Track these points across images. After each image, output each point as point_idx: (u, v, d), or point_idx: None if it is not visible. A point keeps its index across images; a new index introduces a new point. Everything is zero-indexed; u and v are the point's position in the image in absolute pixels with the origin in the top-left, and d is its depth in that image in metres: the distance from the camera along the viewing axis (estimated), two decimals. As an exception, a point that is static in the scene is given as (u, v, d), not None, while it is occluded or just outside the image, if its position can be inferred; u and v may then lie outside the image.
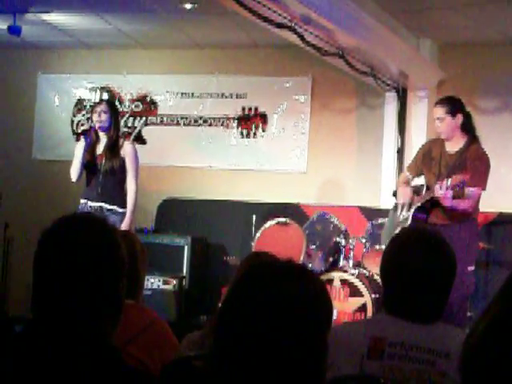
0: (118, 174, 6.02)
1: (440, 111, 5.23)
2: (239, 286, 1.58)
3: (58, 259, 1.75)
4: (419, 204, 5.21)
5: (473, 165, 5.13)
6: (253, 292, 1.53)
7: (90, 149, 6.00)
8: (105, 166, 5.97)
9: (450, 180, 4.88)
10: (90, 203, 6.00)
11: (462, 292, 4.93)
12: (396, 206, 5.61)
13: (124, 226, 5.88)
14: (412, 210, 5.25)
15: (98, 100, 8.28)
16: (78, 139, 5.98)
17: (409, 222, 5.20)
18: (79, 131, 6.01)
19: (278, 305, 1.50)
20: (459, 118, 5.22)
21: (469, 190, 5.04)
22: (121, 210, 6.00)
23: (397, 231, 4.74)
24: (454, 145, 5.26)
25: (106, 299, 1.77)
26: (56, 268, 1.75)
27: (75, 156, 6.06)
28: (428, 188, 5.23)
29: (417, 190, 5.36)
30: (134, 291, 2.83)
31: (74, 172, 6.02)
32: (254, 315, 1.50)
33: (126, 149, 6.06)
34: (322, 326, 1.55)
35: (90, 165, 6.00)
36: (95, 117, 5.98)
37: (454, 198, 4.97)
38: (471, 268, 5.12)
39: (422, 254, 2.32)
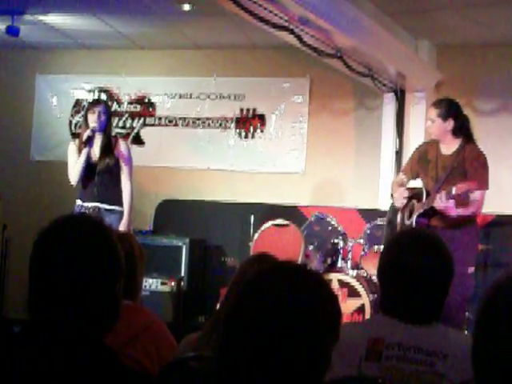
0: (114, 173, 5.99)
1: (433, 113, 5.23)
2: (249, 289, 1.57)
3: (54, 260, 1.74)
4: (421, 211, 5.17)
5: (472, 168, 5.09)
6: (264, 296, 1.52)
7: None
8: (100, 165, 5.94)
9: (454, 189, 4.82)
10: (86, 203, 5.97)
11: (462, 293, 4.91)
12: (393, 208, 5.58)
13: (122, 226, 5.86)
14: (414, 218, 5.20)
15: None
16: (83, 147, 5.90)
17: None
18: (84, 139, 5.90)
19: (290, 308, 1.50)
20: (450, 122, 5.19)
21: (474, 196, 5.01)
22: (120, 209, 5.98)
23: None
24: (449, 147, 5.24)
25: (102, 300, 1.76)
26: (52, 269, 1.74)
27: (71, 160, 5.98)
28: (428, 193, 5.18)
29: (417, 196, 5.31)
30: (132, 292, 2.82)
31: (75, 177, 5.94)
32: (265, 318, 1.49)
33: (120, 148, 6.04)
34: (330, 331, 1.55)
35: (85, 166, 5.96)
36: (93, 117, 5.91)
37: (457, 205, 4.94)
38: (472, 269, 5.10)
39: (419, 255, 2.31)
